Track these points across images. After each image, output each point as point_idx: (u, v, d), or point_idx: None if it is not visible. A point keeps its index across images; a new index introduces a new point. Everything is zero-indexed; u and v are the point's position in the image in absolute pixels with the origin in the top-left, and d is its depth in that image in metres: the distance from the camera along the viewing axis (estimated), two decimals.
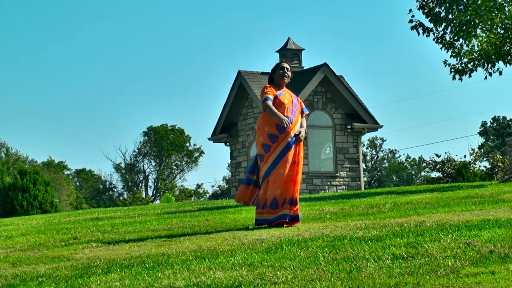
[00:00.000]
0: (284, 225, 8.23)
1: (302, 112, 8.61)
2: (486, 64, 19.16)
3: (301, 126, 8.51)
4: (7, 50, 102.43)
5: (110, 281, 5.38)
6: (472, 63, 19.22)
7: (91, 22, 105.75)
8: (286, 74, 8.54)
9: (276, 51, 29.89)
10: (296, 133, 8.38)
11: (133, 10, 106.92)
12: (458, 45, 18.96)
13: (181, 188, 75.72)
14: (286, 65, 8.61)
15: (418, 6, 19.13)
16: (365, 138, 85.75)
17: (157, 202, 67.98)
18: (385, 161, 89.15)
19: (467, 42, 18.86)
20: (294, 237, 7.03)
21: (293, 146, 8.35)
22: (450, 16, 18.76)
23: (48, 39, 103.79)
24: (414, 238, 6.27)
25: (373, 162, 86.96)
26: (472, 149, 40.79)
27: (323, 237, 6.86)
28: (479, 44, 19.09)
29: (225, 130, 29.81)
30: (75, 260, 6.80)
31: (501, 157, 38.32)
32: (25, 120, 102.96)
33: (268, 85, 8.52)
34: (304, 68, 29.31)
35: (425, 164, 41.91)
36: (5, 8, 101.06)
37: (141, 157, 77.27)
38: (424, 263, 5.14)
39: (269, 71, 8.82)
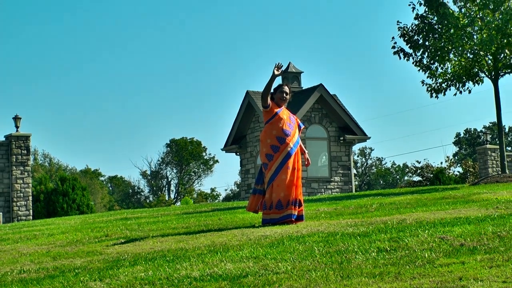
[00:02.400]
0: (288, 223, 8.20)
1: (299, 126, 8.62)
2: (458, 84, 19.21)
3: (299, 142, 8.46)
4: (50, 73, 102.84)
5: (136, 272, 5.39)
6: (446, 83, 19.27)
7: (127, 46, 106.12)
8: (284, 98, 8.50)
9: None
10: (292, 145, 8.35)
11: (161, 41, 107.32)
12: (434, 68, 19.00)
13: (199, 191, 75.64)
14: (286, 89, 8.50)
15: (400, 34, 19.20)
16: (356, 147, 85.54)
17: (178, 204, 67.89)
18: (373, 167, 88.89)
19: (441, 65, 18.92)
20: (293, 234, 7.01)
21: (293, 155, 8.33)
22: (427, 43, 18.81)
23: (82, 59, 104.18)
24: (396, 233, 6.25)
25: (363, 168, 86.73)
26: (448, 157, 40.65)
27: (318, 233, 6.84)
28: (451, 67, 19.13)
29: (235, 142, 29.81)
30: (107, 254, 6.80)
31: (472, 163, 38.21)
32: (66, 134, 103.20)
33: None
34: (303, 88, 29.28)
35: (407, 169, 41.88)
36: (40, 20, 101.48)
37: (164, 165, 77.32)
38: (405, 255, 5.13)
39: (272, 91, 8.76)
